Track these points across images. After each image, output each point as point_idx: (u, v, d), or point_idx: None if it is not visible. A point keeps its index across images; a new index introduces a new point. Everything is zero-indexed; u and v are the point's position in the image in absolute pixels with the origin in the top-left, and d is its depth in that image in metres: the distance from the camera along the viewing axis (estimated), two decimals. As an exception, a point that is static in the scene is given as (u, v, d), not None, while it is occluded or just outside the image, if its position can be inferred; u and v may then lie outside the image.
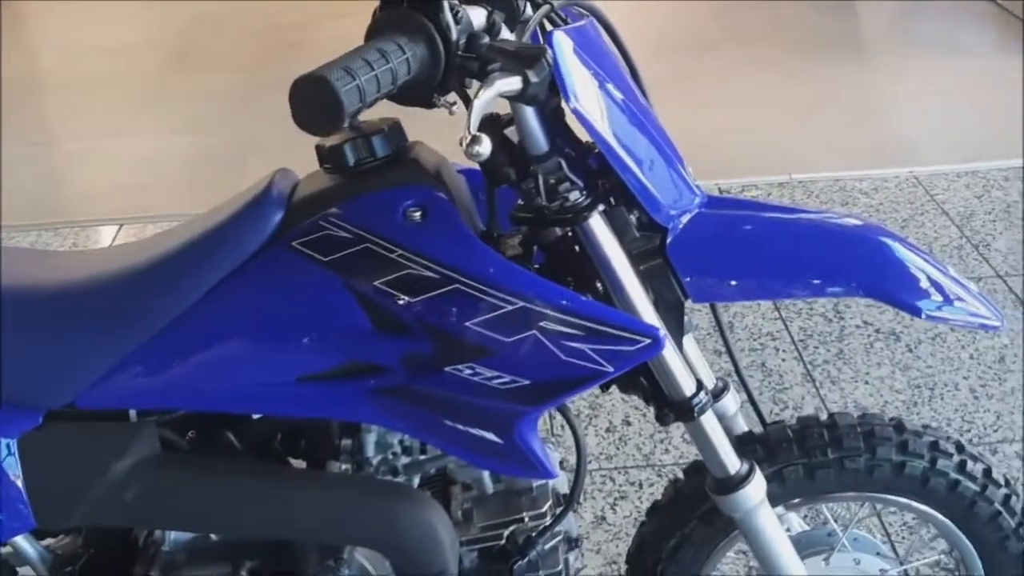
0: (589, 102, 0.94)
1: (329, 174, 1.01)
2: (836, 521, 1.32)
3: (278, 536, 1.10)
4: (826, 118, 3.40)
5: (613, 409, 2.11)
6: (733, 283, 1.04)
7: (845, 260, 1.05)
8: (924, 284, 1.04)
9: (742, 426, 1.27)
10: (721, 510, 1.12)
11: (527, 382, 0.96)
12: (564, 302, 0.94)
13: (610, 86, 0.99)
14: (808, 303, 2.41)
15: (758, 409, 1.29)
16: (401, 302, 0.95)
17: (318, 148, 1.00)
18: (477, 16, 0.89)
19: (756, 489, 1.11)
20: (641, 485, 1.91)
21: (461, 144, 0.82)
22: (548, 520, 1.17)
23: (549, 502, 1.18)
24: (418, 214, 0.96)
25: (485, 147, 0.83)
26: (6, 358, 1.01)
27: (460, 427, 0.99)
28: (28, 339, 1.01)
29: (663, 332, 0.97)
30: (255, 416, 1.13)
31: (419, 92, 0.87)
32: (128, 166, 3.32)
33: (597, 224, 0.99)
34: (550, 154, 0.97)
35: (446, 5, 0.82)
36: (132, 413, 1.07)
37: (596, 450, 1.99)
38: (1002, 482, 1.19)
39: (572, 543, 1.23)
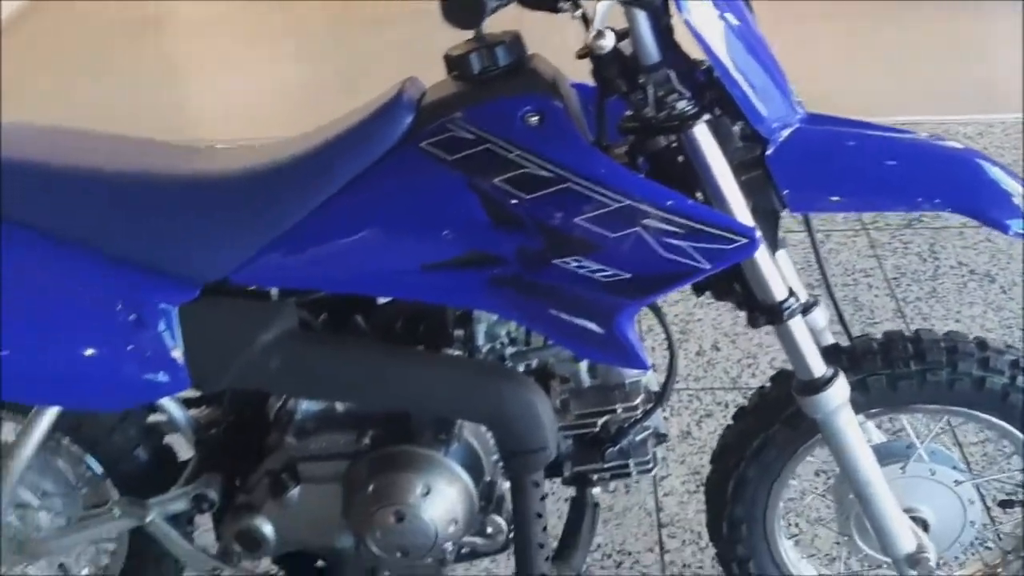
0: (701, 16, 1.01)
1: (456, 81, 1.10)
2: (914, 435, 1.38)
3: (397, 408, 1.23)
4: (926, 63, 3.34)
5: (703, 335, 2.18)
6: (831, 196, 1.11)
7: (940, 177, 1.11)
8: (1016, 203, 1.09)
9: (829, 340, 1.34)
10: (804, 412, 1.20)
11: (628, 275, 1.05)
12: (668, 202, 1.03)
13: (721, 3, 1.06)
14: (903, 242, 2.43)
15: (845, 323, 1.35)
16: (516, 199, 1.05)
17: (447, 57, 1.10)
18: None
19: (839, 392, 1.18)
20: (727, 405, 1.98)
21: (586, 41, 0.90)
22: (639, 413, 1.27)
23: (641, 396, 1.27)
24: (535, 119, 1.05)
25: (608, 40, 0.91)
26: (173, 235, 1.15)
27: (565, 317, 1.09)
28: (192, 219, 1.15)
29: (759, 233, 1.04)
30: (380, 302, 1.25)
31: None
32: (244, 95, 3.50)
33: (702, 132, 1.06)
34: (660, 65, 1.04)
35: None
36: (274, 292, 1.21)
37: (685, 371, 2.08)
38: None
39: (660, 438, 1.33)
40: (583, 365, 1.29)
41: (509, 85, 1.07)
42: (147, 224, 1.16)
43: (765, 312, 1.15)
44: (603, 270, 1.06)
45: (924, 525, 1.32)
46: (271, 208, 1.13)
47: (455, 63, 1.09)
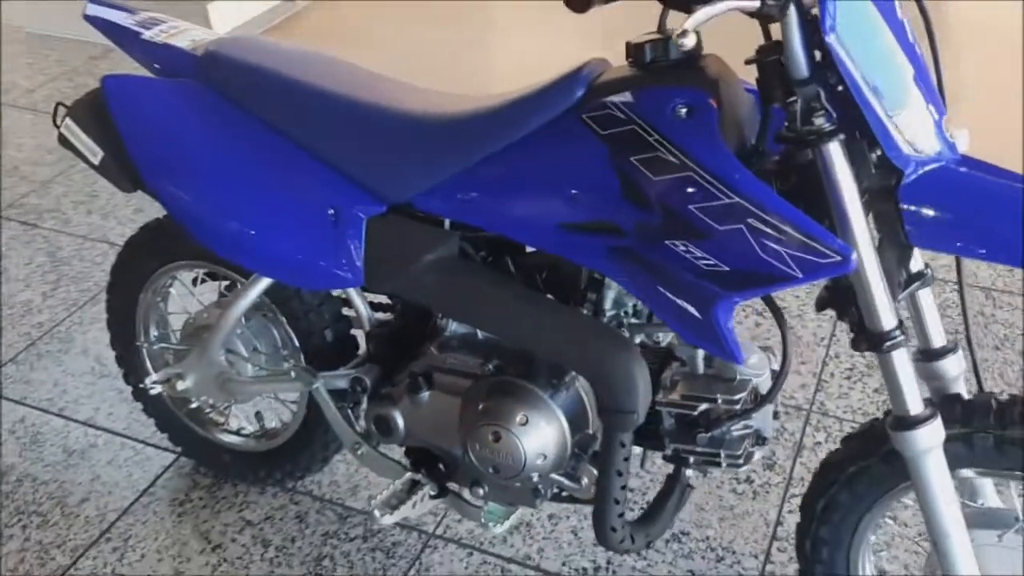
0: (851, 39, 1.05)
1: (630, 67, 1.23)
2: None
3: (518, 344, 1.39)
4: None
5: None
6: (956, 241, 1.12)
7: None
8: None
9: (960, 389, 1.32)
10: (896, 448, 1.22)
11: (727, 268, 1.14)
12: (774, 207, 1.10)
13: (882, 28, 1.09)
14: None
15: (979, 375, 1.33)
16: (646, 179, 1.16)
17: (627, 44, 1.23)
18: None
19: (932, 434, 1.18)
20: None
21: (673, 36, 1.01)
22: (739, 409, 1.33)
23: (744, 394, 1.34)
24: (684, 111, 1.15)
25: (690, 40, 1.00)
26: (376, 157, 1.38)
27: (669, 295, 1.19)
28: (392, 147, 1.37)
29: (855, 256, 1.08)
30: (528, 250, 1.41)
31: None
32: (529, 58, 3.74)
33: (835, 150, 1.10)
34: (809, 80, 1.10)
35: None
36: (447, 223, 1.41)
37: (837, 393, 2.05)
38: None
39: (760, 440, 1.39)
40: (700, 352, 1.38)
41: (672, 77, 1.18)
42: (358, 143, 1.40)
43: (868, 338, 1.18)
44: (706, 258, 1.15)
45: (1009, 601, 1.28)
46: (453, 149, 1.33)
47: (632, 50, 1.21)
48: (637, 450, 1.47)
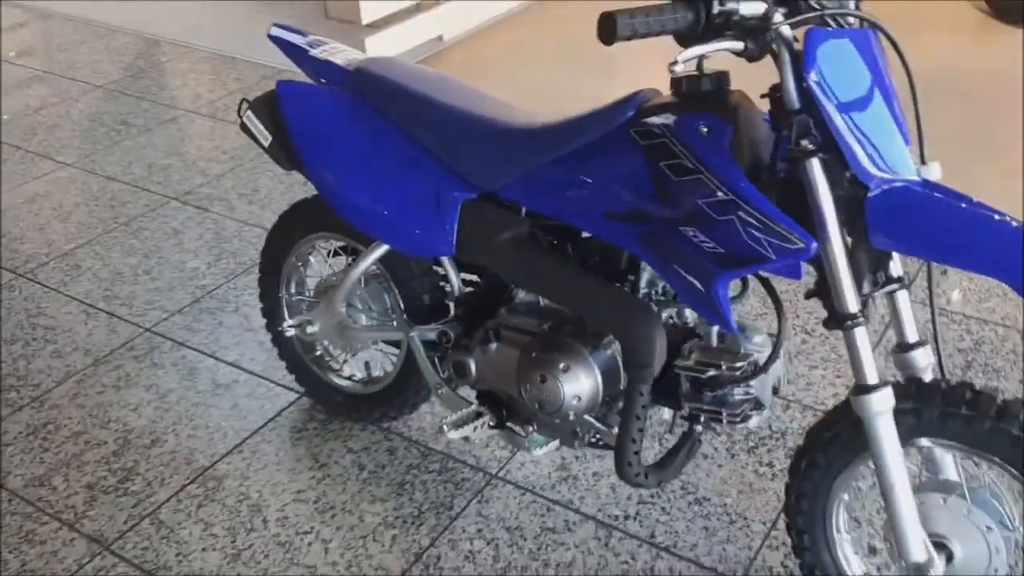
0: (828, 77, 1.36)
1: (671, 96, 1.59)
2: (976, 480, 1.58)
3: (569, 309, 1.76)
4: None
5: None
6: (904, 245, 1.42)
7: (1005, 254, 1.35)
8: None
9: (927, 377, 1.60)
10: (855, 411, 1.51)
11: (722, 250, 1.47)
12: (757, 203, 1.43)
13: (859, 65, 1.40)
14: None
15: (941, 366, 1.60)
16: (669, 179, 1.52)
17: (671, 78, 1.58)
18: (753, 7, 1.38)
19: (882, 399, 1.46)
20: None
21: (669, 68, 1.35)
22: (738, 375, 1.65)
23: (744, 364, 1.65)
24: (706, 130, 1.50)
25: (677, 68, 1.34)
26: (473, 154, 1.78)
27: (681, 272, 1.54)
28: (485, 147, 1.77)
29: (816, 245, 1.40)
30: (584, 236, 1.78)
31: (688, 37, 1.39)
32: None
33: (815, 166, 1.42)
34: (800, 111, 1.42)
35: None
36: (523, 210, 1.79)
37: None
38: None
39: (759, 405, 1.69)
40: (715, 329, 1.70)
41: (701, 105, 1.53)
42: (460, 143, 1.81)
43: (837, 319, 1.48)
44: (708, 242, 1.49)
45: (949, 556, 1.54)
46: (531, 151, 1.72)
47: (672, 83, 1.57)
48: (666, 415, 1.81)
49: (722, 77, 1.53)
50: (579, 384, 1.72)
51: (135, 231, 3.23)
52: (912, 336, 1.61)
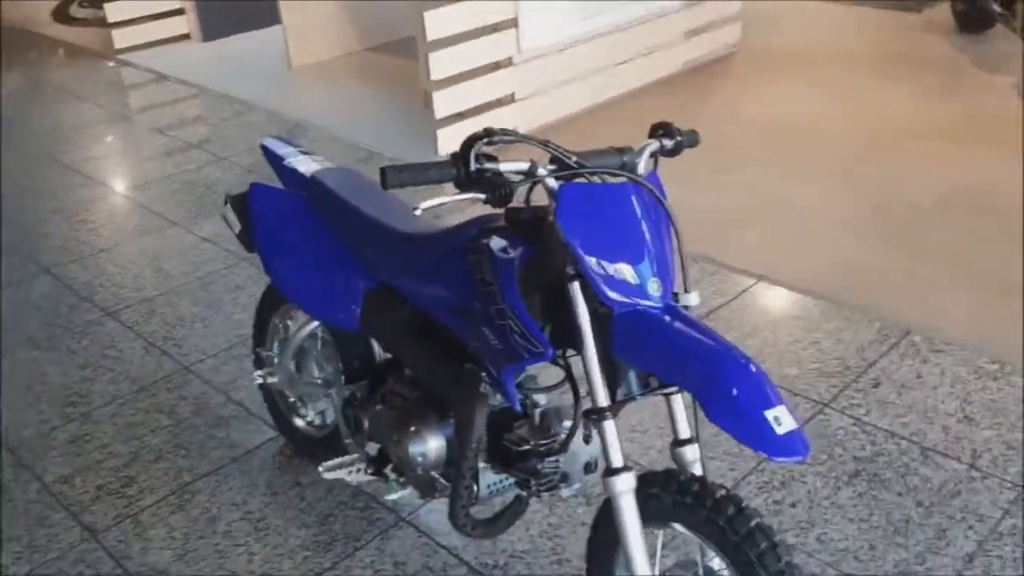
0: (572, 222, 1.71)
1: (504, 222, 1.96)
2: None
3: (422, 381, 2.16)
4: None
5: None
6: (633, 358, 1.73)
7: (700, 371, 1.64)
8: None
9: (697, 471, 1.87)
10: (604, 490, 1.81)
11: (501, 347, 1.84)
12: (519, 314, 1.78)
13: (613, 222, 1.74)
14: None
15: (704, 464, 1.86)
16: (478, 288, 1.90)
17: (505, 207, 1.96)
18: (518, 166, 1.75)
19: (624, 482, 1.75)
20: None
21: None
22: (542, 450, 1.98)
23: (549, 442, 1.98)
24: (511, 251, 1.87)
25: (417, 212, 1.71)
26: (376, 255, 2.22)
27: (487, 358, 1.91)
28: (381, 250, 2.20)
29: (552, 351, 1.74)
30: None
31: (457, 186, 1.77)
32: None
33: (576, 289, 1.76)
34: (567, 244, 1.78)
35: (472, 154, 1.72)
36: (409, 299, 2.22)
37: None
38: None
39: (565, 478, 2.02)
40: (537, 411, 2.05)
41: (519, 230, 1.91)
42: (367, 243, 2.26)
43: (592, 412, 1.80)
44: (495, 341, 1.86)
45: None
46: (408, 254, 2.14)
47: (505, 212, 1.95)
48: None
49: (538, 210, 1.88)
50: (425, 445, 2.11)
51: (206, 284, 3.88)
52: (684, 433, 1.89)
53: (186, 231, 4.37)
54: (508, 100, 5.08)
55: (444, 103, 4.78)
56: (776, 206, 4.31)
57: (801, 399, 2.97)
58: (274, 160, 2.57)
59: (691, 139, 1.94)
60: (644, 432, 2.82)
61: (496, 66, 4.97)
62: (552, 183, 1.75)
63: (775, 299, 3.58)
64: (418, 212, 1.72)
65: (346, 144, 5.15)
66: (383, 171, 1.71)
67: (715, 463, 2.69)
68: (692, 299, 1.80)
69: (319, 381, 2.57)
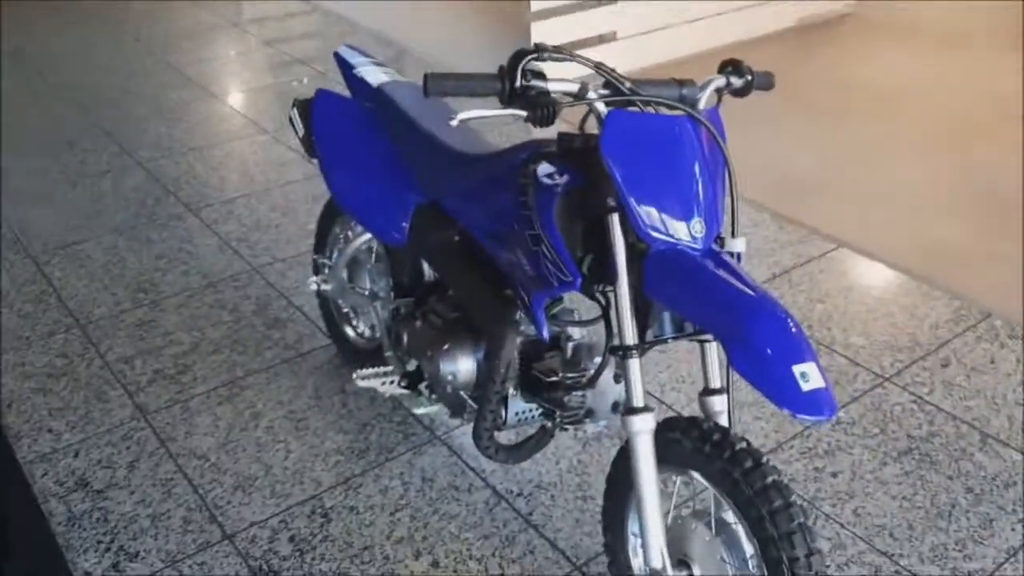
0: (620, 156, 1.65)
1: (554, 147, 1.92)
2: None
3: (461, 302, 2.15)
4: None
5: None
6: (664, 298, 1.67)
7: (731, 318, 1.58)
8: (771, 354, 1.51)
9: (723, 421, 1.82)
10: (624, 428, 1.77)
11: (533, 274, 1.81)
12: (554, 242, 1.75)
13: (662, 155, 1.68)
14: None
15: (731, 413, 1.80)
16: (520, 213, 1.87)
17: (557, 133, 1.92)
18: (568, 86, 1.69)
19: (643, 421, 1.71)
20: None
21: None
22: (569, 383, 1.96)
23: (577, 375, 1.96)
24: (557, 177, 1.83)
25: (452, 123, 1.65)
26: (431, 171, 2.21)
27: (520, 289, 1.89)
28: (435, 167, 2.19)
29: (580, 280, 1.71)
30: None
31: (500, 101, 1.71)
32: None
33: (614, 221, 1.72)
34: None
35: (519, 69, 1.67)
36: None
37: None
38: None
39: (591, 414, 1.99)
40: (570, 344, 2.03)
41: (568, 158, 1.87)
42: (423, 160, 2.25)
43: (615, 349, 1.76)
44: (527, 267, 1.83)
45: (690, 574, 1.78)
46: (459, 174, 2.12)
47: (557, 138, 1.90)
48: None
49: (590, 138, 1.83)
50: (456, 364, 2.11)
51: (286, 192, 3.95)
52: (714, 383, 1.84)
53: (275, 140, 4.45)
54: (610, 37, 4.96)
55: (541, 36, 4.70)
56: (870, 175, 4.13)
57: (862, 370, 2.86)
58: (345, 68, 2.56)
59: (763, 80, 1.84)
60: (693, 384, 2.76)
61: (599, 1, 4.85)
62: (601, 108, 1.69)
63: (853, 267, 3.44)
64: (454, 123, 1.68)
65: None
66: (426, 77, 1.68)
67: (759, 423, 2.62)
68: (738, 245, 1.72)
69: (366, 293, 2.59)
